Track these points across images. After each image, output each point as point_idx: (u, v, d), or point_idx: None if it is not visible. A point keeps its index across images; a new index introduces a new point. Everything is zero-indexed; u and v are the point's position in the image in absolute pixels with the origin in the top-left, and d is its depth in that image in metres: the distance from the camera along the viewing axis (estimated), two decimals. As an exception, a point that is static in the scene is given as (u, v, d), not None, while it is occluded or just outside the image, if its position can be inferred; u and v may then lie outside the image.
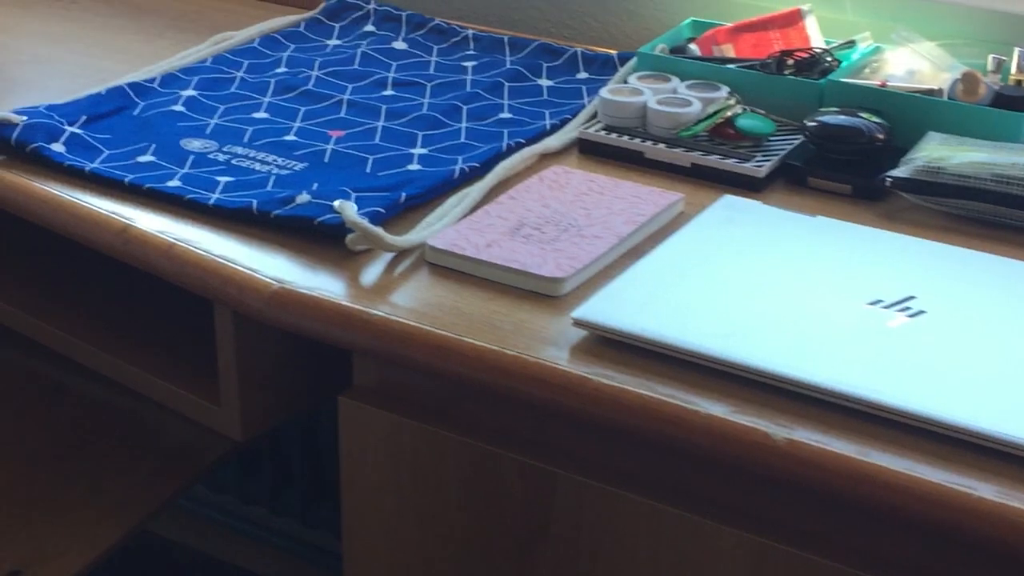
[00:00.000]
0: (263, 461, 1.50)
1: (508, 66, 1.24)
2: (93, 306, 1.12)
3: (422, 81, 1.22)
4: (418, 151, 1.08)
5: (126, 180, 1.01)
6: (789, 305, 0.85)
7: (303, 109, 1.16)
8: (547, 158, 1.08)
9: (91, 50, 1.30)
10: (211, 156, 1.06)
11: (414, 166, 1.05)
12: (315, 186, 1.00)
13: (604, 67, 1.23)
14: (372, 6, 1.36)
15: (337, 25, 1.35)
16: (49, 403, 1.33)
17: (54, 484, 1.21)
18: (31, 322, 1.11)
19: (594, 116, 1.12)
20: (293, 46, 1.30)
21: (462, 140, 1.10)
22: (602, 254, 0.91)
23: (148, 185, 1.00)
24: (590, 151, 1.08)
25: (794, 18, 1.18)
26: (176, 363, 1.04)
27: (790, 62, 1.12)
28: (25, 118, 1.07)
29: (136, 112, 1.14)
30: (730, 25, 1.19)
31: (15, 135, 1.05)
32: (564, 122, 1.13)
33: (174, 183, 1.01)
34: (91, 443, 1.26)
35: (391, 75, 1.23)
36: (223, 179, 1.02)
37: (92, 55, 1.28)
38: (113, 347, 1.06)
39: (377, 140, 1.10)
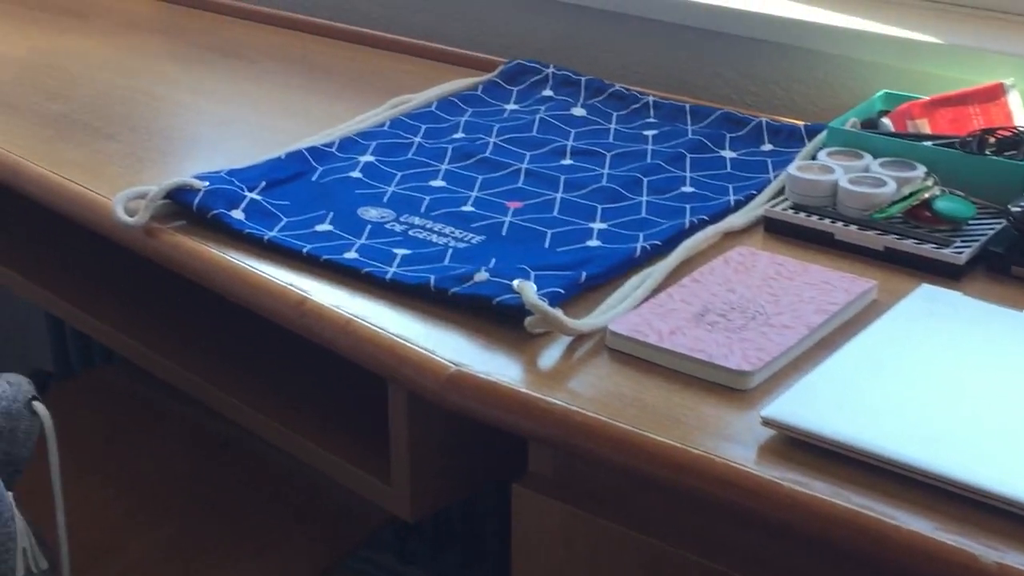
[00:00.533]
0: (424, 523, 1.48)
1: (690, 136, 1.21)
2: (265, 372, 1.12)
3: (601, 150, 1.19)
4: (598, 226, 1.05)
5: (304, 250, 1.00)
6: (997, 410, 0.79)
7: (480, 178, 1.14)
8: (731, 236, 1.04)
9: (272, 111, 1.30)
10: (388, 226, 1.05)
11: (594, 242, 1.02)
12: (493, 261, 0.98)
13: (790, 139, 1.19)
14: (551, 70, 1.34)
15: (515, 89, 1.33)
16: (217, 459, 1.34)
17: (220, 541, 1.22)
18: (207, 388, 1.11)
19: (780, 193, 1.08)
20: (471, 110, 1.29)
21: (643, 215, 1.07)
22: (791, 346, 0.87)
23: (326, 257, 0.99)
24: (776, 230, 1.04)
25: (996, 93, 1.12)
26: (347, 436, 1.03)
27: (992, 141, 1.06)
28: (207, 184, 1.07)
29: (314, 177, 1.14)
30: (926, 99, 1.14)
31: (197, 201, 1.05)
32: (749, 198, 1.09)
33: (351, 255, 1.00)
34: (257, 502, 1.26)
35: (570, 143, 1.20)
36: (400, 251, 1.00)
37: (273, 116, 1.29)
38: (285, 417, 1.05)
39: (555, 213, 1.08)
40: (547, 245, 1.02)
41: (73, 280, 1.25)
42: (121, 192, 1.06)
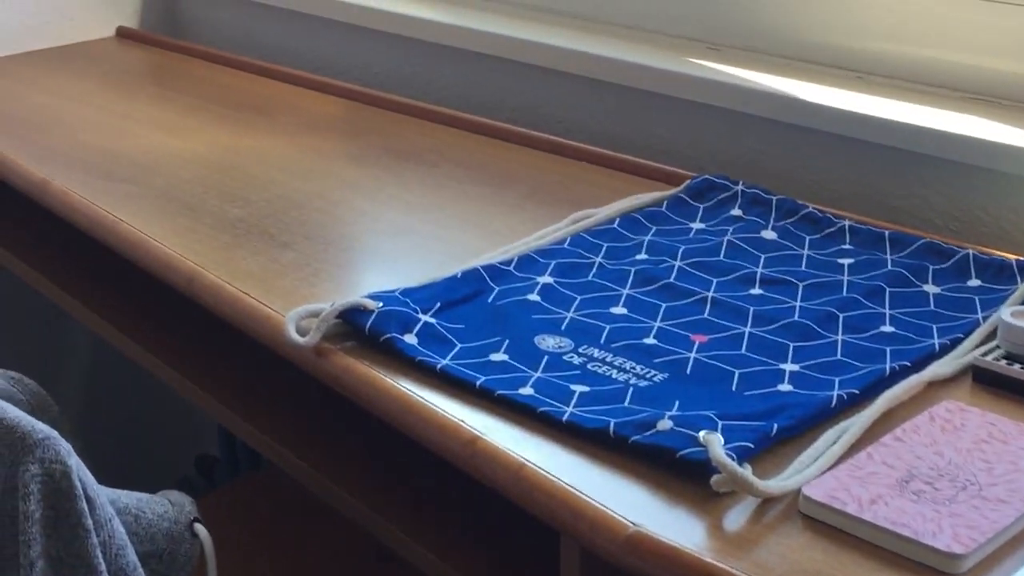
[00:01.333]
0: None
1: (889, 267, 1.13)
2: (424, 499, 1.07)
3: (793, 280, 1.12)
4: (789, 367, 0.98)
5: (477, 383, 0.96)
6: None
7: (664, 306, 1.08)
8: (936, 386, 0.96)
9: (449, 221, 1.27)
10: (566, 358, 1.00)
11: (785, 387, 0.95)
12: (676, 405, 0.92)
13: (1000, 275, 1.10)
14: (740, 187, 1.28)
15: (702, 206, 1.27)
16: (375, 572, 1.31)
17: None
18: (368, 514, 1.07)
19: (991, 337, 1.00)
20: (655, 228, 1.23)
21: (838, 356, 1.00)
22: (1008, 525, 0.78)
23: (500, 392, 0.94)
24: (987, 381, 0.96)
25: None
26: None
27: None
28: (380, 304, 1.03)
29: (491, 299, 1.09)
30: None
31: (370, 323, 1.01)
32: (955, 342, 1.01)
33: (527, 391, 0.95)
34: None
35: (759, 270, 1.14)
36: (578, 388, 0.95)
37: (449, 227, 1.25)
38: (445, 551, 1.01)
39: (743, 350, 1.01)
40: (734, 388, 0.96)
41: (234, 386, 1.23)
42: (294, 310, 1.03)
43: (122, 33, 1.94)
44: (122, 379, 1.99)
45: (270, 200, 1.31)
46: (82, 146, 1.47)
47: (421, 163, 1.42)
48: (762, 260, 1.16)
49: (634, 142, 1.50)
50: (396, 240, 1.23)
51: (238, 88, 1.70)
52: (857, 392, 0.94)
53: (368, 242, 1.23)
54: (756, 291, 1.11)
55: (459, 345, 1.02)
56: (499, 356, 1.00)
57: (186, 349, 1.29)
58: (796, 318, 1.05)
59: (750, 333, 1.03)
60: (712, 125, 1.43)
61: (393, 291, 1.07)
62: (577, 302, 1.09)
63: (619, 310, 1.08)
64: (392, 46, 1.74)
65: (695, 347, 1.02)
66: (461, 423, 0.92)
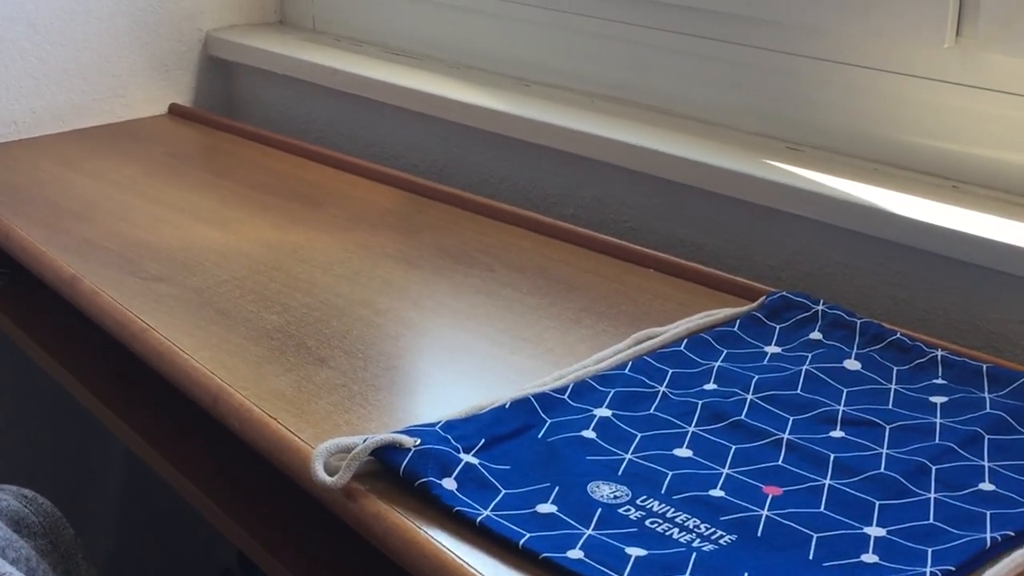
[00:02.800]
0: None
1: (988, 408, 1.01)
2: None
3: (879, 421, 1.00)
4: (875, 532, 0.87)
5: (521, 542, 0.85)
6: None
7: (734, 448, 0.97)
8: (1044, 562, 0.84)
9: (501, 337, 1.17)
10: (622, 511, 0.89)
11: (870, 557, 0.84)
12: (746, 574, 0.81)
13: (1115, 424, 0.98)
14: (820, 307, 1.17)
15: (777, 327, 1.16)
16: None
17: None
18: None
19: (1108, 503, 0.88)
20: (725, 351, 1.12)
21: (931, 520, 0.88)
22: None
23: (546, 554, 0.84)
24: (1104, 559, 0.84)
25: None
26: None
27: None
28: (418, 442, 0.93)
29: (541, 434, 0.99)
30: None
31: (405, 464, 0.91)
32: (1067, 507, 0.89)
33: (576, 554, 0.84)
34: None
35: (841, 408, 1.02)
36: (634, 552, 0.84)
37: (501, 343, 1.15)
38: None
39: (822, 507, 0.90)
40: (811, 556, 0.84)
41: (260, 513, 1.13)
42: (323, 444, 0.93)
43: (175, 111, 1.87)
44: (148, 488, 1.92)
45: (311, 306, 1.22)
46: (119, 238, 1.39)
47: (475, 265, 1.32)
48: (844, 395, 1.05)
49: (705, 248, 1.40)
50: (442, 358, 1.13)
51: (288, 174, 1.61)
52: (953, 569, 0.82)
53: (412, 360, 1.13)
54: (837, 434, 0.99)
55: (503, 492, 0.91)
56: (547, 507, 0.90)
57: (215, 470, 1.19)
58: (882, 469, 0.94)
59: (830, 486, 0.92)
60: (791, 234, 1.32)
61: (433, 424, 0.97)
62: (637, 441, 0.98)
63: (683, 452, 0.97)
64: (453, 133, 1.65)
65: (768, 502, 0.90)
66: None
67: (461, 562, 0.84)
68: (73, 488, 1.94)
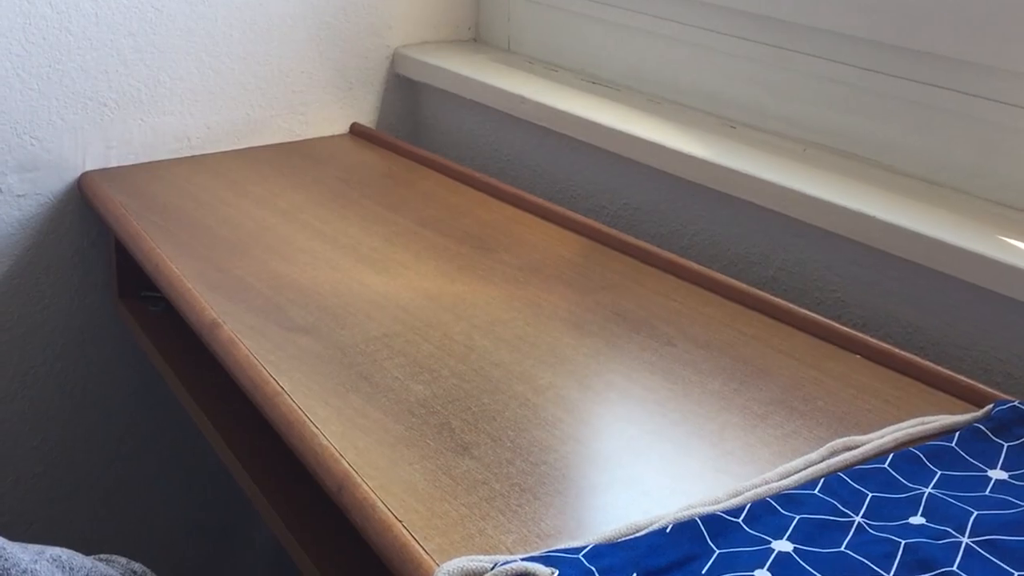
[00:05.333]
0: None
1: None
2: None
3: None
4: None
5: None
6: None
7: (941, 611, 0.80)
8: None
9: (673, 432, 1.01)
10: None
11: None
12: None
13: None
14: (1059, 423, 0.98)
15: (1005, 445, 0.98)
16: None
17: None
18: None
19: None
20: (939, 474, 0.94)
21: None
22: None
23: None
24: None
25: None
26: None
27: None
28: (556, 574, 0.79)
29: (705, 570, 0.83)
30: None
31: (535, 602, 0.77)
32: None
33: None
34: None
35: (1081, 565, 0.84)
36: None
37: (672, 441, 1.00)
38: None
39: None
40: None
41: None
42: (447, 565, 0.80)
43: (356, 131, 1.77)
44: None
45: (463, 376, 1.08)
46: (271, 277, 1.28)
47: (654, 337, 1.17)
48: (1086, 547, 0.86)
49: (924, 333, 1.21)
50: (602, 456, 0.98)
51: (463, 211, 1.49)
52: None
53: (566, 456, 0.98)
54: (1074, 602, 0.81)
55: (654, 645, 0.76)
56: (708, 673, 0.74)
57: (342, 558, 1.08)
58: None
59: (1061, 677, 0.74)
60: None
61: (579, 549, 0.82)
62: (820, 589, 0.82)
63: (878, 610, 0.80)
64: (646, 177, 1.50)
65: None
66: None
67: None
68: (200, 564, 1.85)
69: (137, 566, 1.02)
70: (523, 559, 0.80)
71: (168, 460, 1.77)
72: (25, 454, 1.65)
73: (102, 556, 1.02)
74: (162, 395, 1.71)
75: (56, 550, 0.96)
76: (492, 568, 0.79)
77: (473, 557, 0.81)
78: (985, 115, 1.21)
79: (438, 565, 0.81)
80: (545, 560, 0.80)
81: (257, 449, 1.25)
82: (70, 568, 0.95)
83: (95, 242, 1.62)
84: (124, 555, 1.06)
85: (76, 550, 0.99)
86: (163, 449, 1.76)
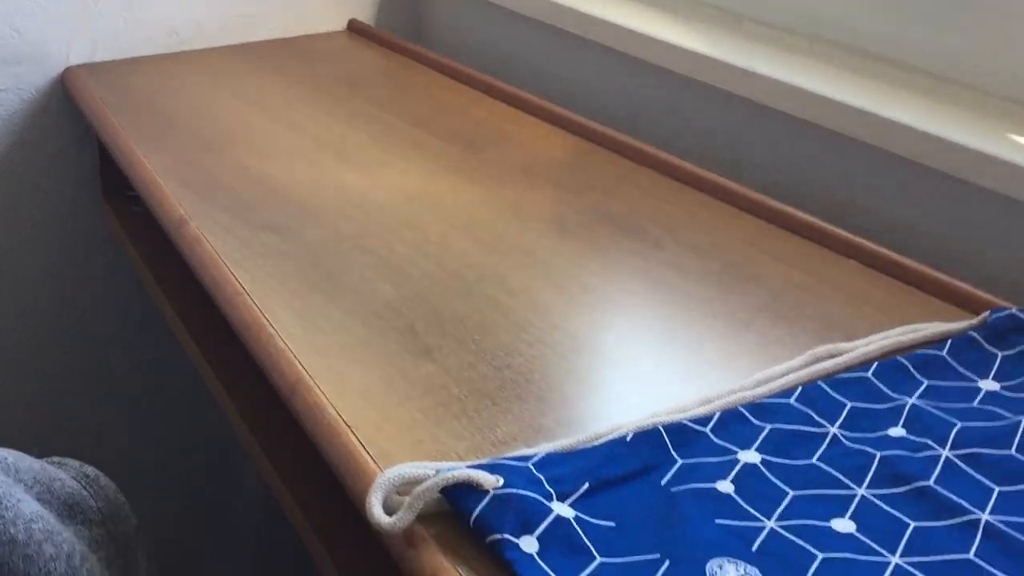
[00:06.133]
0: None
1: None
2: None
3: (1118, 508, 0.76)
4: None
5: (600, 643, 0.65)
6: None
7: (912, 526, 0.74)
8: None
9: (650, 338, 0.96)
10: (746, 612, 0.68)
11: None
12: None
13: None
14: (1060, 331, 0.92)
15: (1000, 354, 0.92)
16: None
17: None
18: None
19: None
20: (925, 384, 0.89)
21: None
22: None
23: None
24: None
25: None
26: None
27: None
28: (500, 481, 0.74)
29: (665, 479, 0.78)
30: None
31: (477, 512, 0.72)
32: None
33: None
34: None
35: (1070, 483, 0.78)
36: None
37: (647, 347, 0.94)
38: None
39: (1020, 638, 0.67)
40: None
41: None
42: (387, 472, 0.75)
43: (353, 28, 1.70)
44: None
45: (434, 278, 1.03)
46: (245, 174, 1.23)
47: (642, 240, 1.11)
48: (1077, 463, 0.80)
49: (927, 237, 1.15)
50: (569, 363, 0.93)
51: (456, 109, 1.43)
52: None
53: (531, 361, 0.92)
54: (1060, 522, 0.75)
55: (598, 560, 0.71)
56: (648, 593, 0.69)
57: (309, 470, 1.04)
58: (1112, 587, 0.70)
59: (1036, 604, 0.69)
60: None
61: (528, 457, 0.78)
62: (786, 503, 0.76)
63: (844, 525, 0.75)
64: (649, 76, 1.43)
65: (945, 614, 0.68)
66: None
67: (521, 659, 0.65)
68: (146, 467, 1.81)
69: (90, 469, 0.98)
70: (468, 466, 0.75)
71: (151, 377, 1.73)
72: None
73: (54, 459, 0.98)
74: (148, 308, 1.67)
75: (3, 451, 0.92)
76: (435, 475, 0.74)
77: (416, 464, 0.76)
78: (998, 4, 1.14)
79: (382, 471, 0.77)
80: (491, 468, 0.75)
81: (238, 371, 1.21)
82: (16, 469, 0.92)
83: (80, 139, 1.57)
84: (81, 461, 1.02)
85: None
86: (146, 368, 1.72)
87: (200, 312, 1.28)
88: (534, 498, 0.73)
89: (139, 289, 1.67)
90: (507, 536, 0.71)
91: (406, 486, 0.75)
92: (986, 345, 0.93)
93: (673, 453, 0.80)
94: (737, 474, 0.78)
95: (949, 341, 0.93)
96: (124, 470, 1.21)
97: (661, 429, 0.81)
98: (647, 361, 0.92)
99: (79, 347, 1.67)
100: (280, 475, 1.05)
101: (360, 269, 1.05)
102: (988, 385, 0.89)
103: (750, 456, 0.80)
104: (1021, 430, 0.82)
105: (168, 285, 1.34)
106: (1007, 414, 0.84)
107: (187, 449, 1.83)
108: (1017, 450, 0.80)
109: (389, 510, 0.74)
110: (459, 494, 0.73)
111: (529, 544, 0.71)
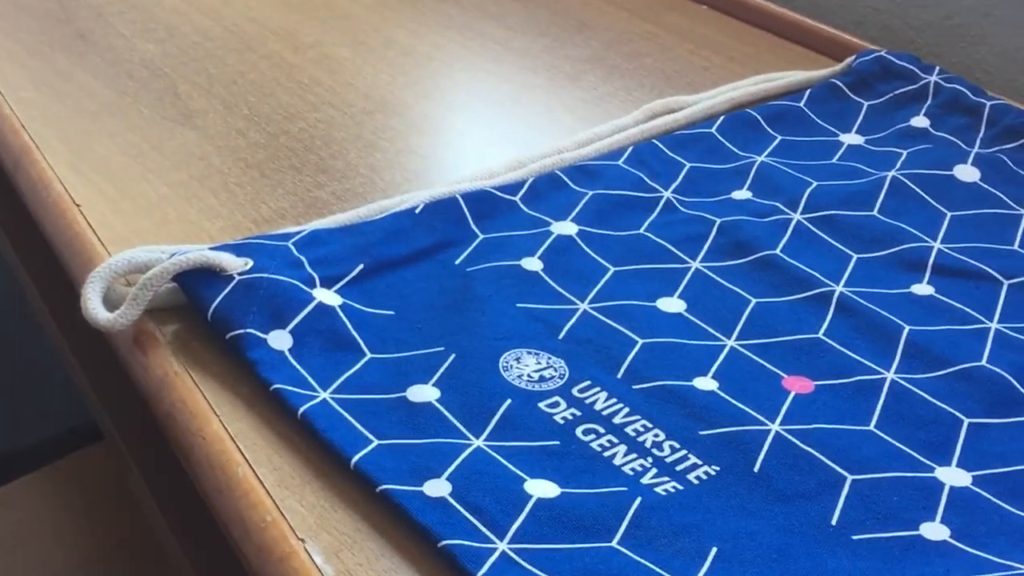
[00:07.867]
0: None
1: None
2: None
3: (994, 274, 0.64)
4: (953, 479, 0.51)
5: (353, 460, 0.52)
6: None
7: (753, 303, 0.62)
8: None
9: (456, 98, 0.81)
10: (544, 406, 0.55)
11: (935, 530, 0.49)
12: (713, 555, 0.47)
13: None
14: (935, 78, 0.79)
15: (865, 104, 0.79)
16: None
17: None
18: None
19: None
20: (779, 139, 0.76)
21: (1045, 466, 0.53)
22: None
23: (386, 486, 0.50)
24: None
25: None
26: None
27: None
28: (248, 264, 0.60)
29: (461, 258, 0.64)
30: None
31: (216, 303, 0.58)
32: None
33: (436, 488, 0.50)
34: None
35: (936, 245, 0.66)
36: (537, 489, 0.50)
37: (453, 108, 0.80)
38: None
39: (873, 424, 0.54)
40: (835, 519, 0.50)
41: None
42: (112, 258, 0.60)
43: None
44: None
45: (208, 34, 0.87)
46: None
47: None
48: (946, 224, 0.68)
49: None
50: (360, 128, 0.78)
51: None
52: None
53: (314, 126, 0.77)
54: (923, 289, 0.63)
55: (368, 356, 0.57)
56: (424, 390, 0.56)
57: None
58: (984, 362, 0.58)
59: (894, 384, 0.57)
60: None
61: (289, 236, 0.63)
62: (606, 280, 0.63)
63: (671, 304, 0.62)
64: None
65: (786, 404, 0.55)
66: (289, 530, 0.49)
67: (264, 490, 0.51)
68: None
69: None
70: (211, 248, 0.60)
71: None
72: None
73: None
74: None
75: None
76: (168, 259, 0.59)
77: (148, 248, 0.61)
78: None
79: (97, 268, 0.62)
80: (240, 249, 0.61)
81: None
82: None
83: None
84: None
85: None
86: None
87: None
88: (290, 283, 0.59)
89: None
90: (251, 331, 0.57)
91: (136, 275, 0.61)
92: (850, 94, 0.80)
93: (473, 227, 0.66)
94: (547, 249, 0.65)
95: (808, 91, 0.80)
96: None
97: (459, 199, 0.67)
98: (453, 123, 0.78)
99: None
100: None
101: (120, 25, 0.88)
102: (850, 139, 0.76)
103: (565, 227, 0.67)
104: (885, 189, 0.70)
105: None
106: (870, 170, 0.72)
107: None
108: (879, 211, 0.68)
109: (115, 304, 0.60)
110: (197, 281, 0.59)
111: (280, 340, 0.57)
